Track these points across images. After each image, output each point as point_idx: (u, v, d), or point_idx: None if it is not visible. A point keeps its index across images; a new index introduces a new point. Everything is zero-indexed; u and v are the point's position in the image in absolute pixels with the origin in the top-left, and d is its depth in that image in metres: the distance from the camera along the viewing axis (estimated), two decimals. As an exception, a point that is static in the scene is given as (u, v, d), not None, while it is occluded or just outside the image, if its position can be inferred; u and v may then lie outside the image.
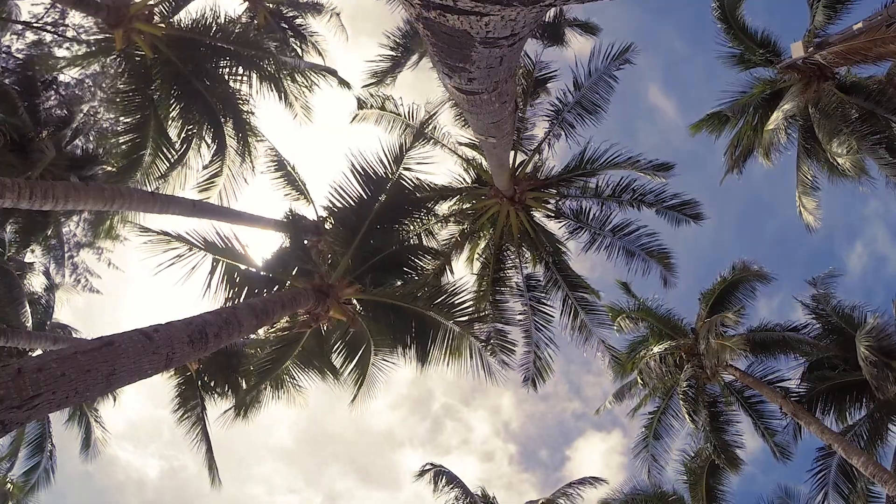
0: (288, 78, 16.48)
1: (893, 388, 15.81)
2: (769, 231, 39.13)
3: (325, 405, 44.66)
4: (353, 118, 17.09)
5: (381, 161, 12.14)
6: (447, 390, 47.00)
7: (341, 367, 12.98)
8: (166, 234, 10.58)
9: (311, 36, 22.47)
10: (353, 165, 12.03)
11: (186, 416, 17.56)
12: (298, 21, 22.50)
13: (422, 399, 46.66)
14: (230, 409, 15.12)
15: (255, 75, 16.31)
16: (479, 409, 48.03)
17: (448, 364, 12.02)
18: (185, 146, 16.48)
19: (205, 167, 16.75)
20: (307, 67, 17.06)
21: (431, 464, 19.06)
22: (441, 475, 18.72)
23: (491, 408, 47.58)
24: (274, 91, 16.71)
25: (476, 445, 47.37)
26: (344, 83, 16.87)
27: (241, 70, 16.20)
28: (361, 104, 16.86)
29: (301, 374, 13.36)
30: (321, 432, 46.87)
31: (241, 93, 16.42)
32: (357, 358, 12.71)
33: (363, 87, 16.95)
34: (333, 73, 16.96)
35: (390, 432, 47.50)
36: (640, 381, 19.26)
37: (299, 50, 21.78)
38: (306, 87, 16.75)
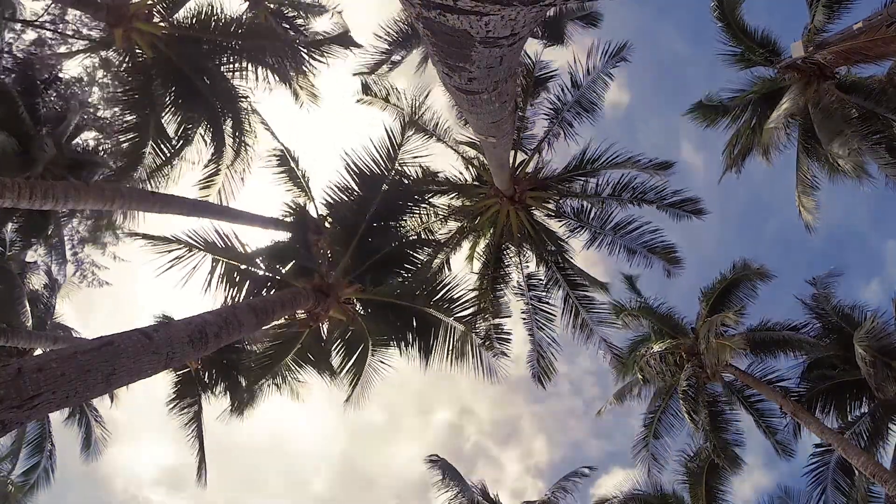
0: (299, 58, 16.23)
1: (893, 388, 15.80)
2: (773, 231, 39.09)
3: (359, 449, 44.57)
4: (358, 100, 16.91)
5: (374, 158, 12.14)
6: (481, 429, 46.81)
7: (339, 365, 12.99)
8: (165, 238, 10.60)
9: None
10: (347, 164, 12.05)
11: (183, 412, 17.58)
12: (299, 22, 22.40)
13: (455, 439, 46.50)
14: (230, 406, 15.13)
15: (259, 68, 16.16)
16: (511, 450, 47.89)
17: (451, 362, 12.05)
18: (183, 144, 16.46)
19: (205, 165, 16.75)
20: (318, 43, 16.51)
21: (437, 455, 19.22)
22: (446, 470, 18.90)
23: (524, 450, 47.49)
24: (278, 81, 16.52)
25: (507, 483, 47.39)
26: (353, 43, 16.37)
27: (242, 64, 16.01)
28: (367, 89, 16.75)
29: (301, 372, 13.36)
30: (355, 475, 46.53)
31: (241, 90, 16.36)
32: (355, 357, 12.72)
33: (354, 74, 16.88)
34: (344, 40, 16.45)
35: (423, 477, 47.27)
36: (641, 378, 19.26)
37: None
38: (314, 68, 16.41)
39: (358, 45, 16.40)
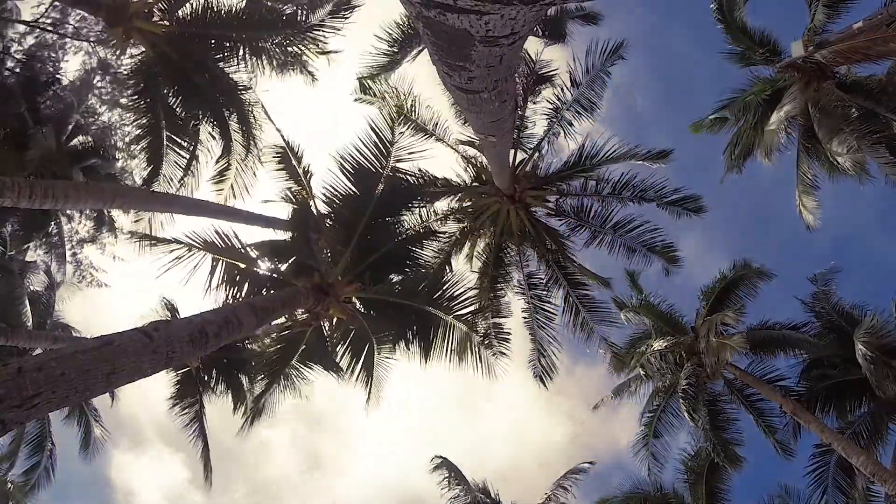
0: (298, 44, 16.10)
1: (894, 387, 15.79)
2: (779, 232, 38.95)
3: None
4: (356, 99, 16.84)
5: (367, 156, 12.11)
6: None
7: (347, 367, 13.02)
8: (164, 239, 10.62)
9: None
10: (341, 163, 12.03)
11: (184, 412, 17.59)
12: (298, 18, 22.25)
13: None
14: (242, 416, 15.09)
15: (262, 58, 16.06)
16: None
17: (451, 360, 12.08)
18: (195, 145, 16.48)
19: (216, 161, 16.77)
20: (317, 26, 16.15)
21: (440, 456, 19.25)
22: (451, 470, 18.98)
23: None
24: (281, 71, 16.42)
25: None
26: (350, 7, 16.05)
27: (244, 56, 15.91)
28: (364, 88, 16.68)
29: (308, 373, 13.38)
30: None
31: (245, 83, 16.31)
32: (362, 357, 12.75)
33: (358, 78, 16.80)
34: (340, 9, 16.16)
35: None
36: (644, 374, 19.27)
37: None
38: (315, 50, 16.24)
39: (355, 7, 16.14)
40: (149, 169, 15.99)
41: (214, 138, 16.64)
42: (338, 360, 13.13)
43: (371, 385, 12.95)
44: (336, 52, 16.45)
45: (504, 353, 12.98)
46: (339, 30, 16.07)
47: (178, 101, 16.03)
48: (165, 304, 17.33)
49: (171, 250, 10.71)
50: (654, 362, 18.26)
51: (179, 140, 16.09)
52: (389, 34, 16.40)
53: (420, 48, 16.48)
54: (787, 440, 18.37)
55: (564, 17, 16.80)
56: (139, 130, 16.15)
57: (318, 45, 16.13)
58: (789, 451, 18.27)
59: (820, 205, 18.99)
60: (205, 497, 43.61)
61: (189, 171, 16.50)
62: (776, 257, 39.22)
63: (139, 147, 16.25)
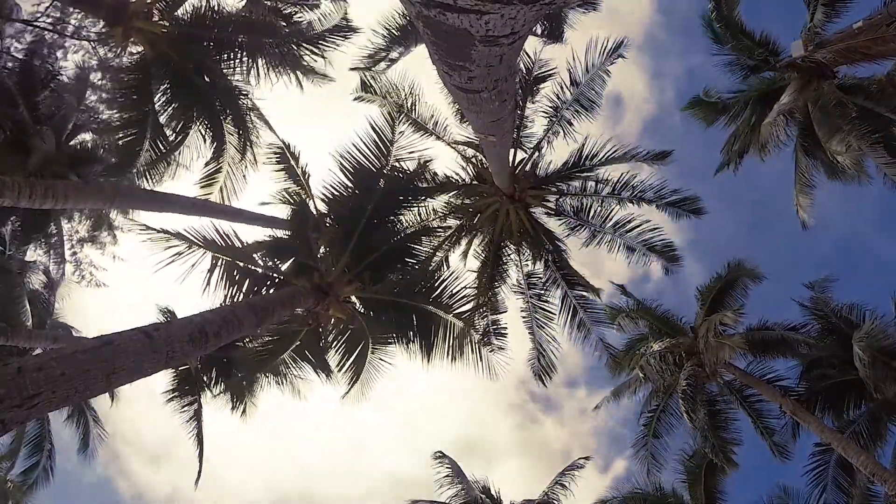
0: (299, 48, 16.14)
1: (893, 388, 15.80)
2: (780, 231, 38.91)
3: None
4: (356, 98, 16.84)
5: (367, 155, 12.14)
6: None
7: (339, 364, 13.03)
8: (165, 231, 10.60)
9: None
10: (341, 163, 12.05)
11: (183, 410, 17.54)
12: (298, 17, 22.22)
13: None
14: (231, 404, 15.11)
15: (259, 62, 16.05)
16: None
17: (451, 360, 12.08)
18: (181, 142, 16.42)
19: (206, 164, 16.72)
20: (318, 36, 16.24)
21: (441, 452, 19.20)
22: (452, 467, 18.95)
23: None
24: (280, 73, 16.40)
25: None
26: (351, 29, 16.17)
27: (243, 59, 15.91)
28: (365, 87, 16.68)
29: (299, 370, 13.38)
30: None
31: (243, 87, 16.29)
32: (355, 355, 12.76)
33: (351, 69, 16.83)
34: (342, 28, 16.20)
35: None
36: (642, 376, 19.28)
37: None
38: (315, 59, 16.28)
39: (356, 31, 16.21)
40: (120, 160, 15.92)
41: (206, 141, 16.60)
42: (330, 359, 13.16)
43: (355, 381, 12.96)
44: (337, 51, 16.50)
45: (502, 349, 12.99)
46: (338, 45, 16.15)
47: (171, 100, 15.97)
48: (163, 312, 17.16)
49: (171, 245, 10.70)
50: (654, 364, 18.25)
51: (163, 139, 16.03)
52: (388, 31, 16.41)
53: (419, 45, 16.48)
54: (784, 442, 18.39)
55: (563, 9, 16.76)
56: (123, 122, 16.10)
57: (316, 56, 16.23)
58: (786, 454, 18.31)
59: (814, 202, 19.12)
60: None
61: (166, 169, 16.45)
62: (777, 257, 39.18)
63: (119, 137, 16.16)
